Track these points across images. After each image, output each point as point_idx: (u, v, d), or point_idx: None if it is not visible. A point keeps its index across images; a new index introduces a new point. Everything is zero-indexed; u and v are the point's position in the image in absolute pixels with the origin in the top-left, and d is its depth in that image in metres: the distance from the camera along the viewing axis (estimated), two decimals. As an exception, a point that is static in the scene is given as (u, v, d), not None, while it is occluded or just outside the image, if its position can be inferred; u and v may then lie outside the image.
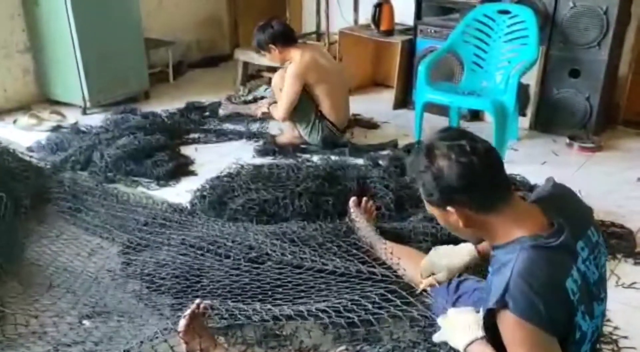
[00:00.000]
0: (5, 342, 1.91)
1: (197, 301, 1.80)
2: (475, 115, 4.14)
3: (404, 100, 4.38)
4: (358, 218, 2.43)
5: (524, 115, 3.91)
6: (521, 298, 1.29)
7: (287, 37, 3.51)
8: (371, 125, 4.04)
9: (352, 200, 2.52)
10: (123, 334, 1.92)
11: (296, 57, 3.45)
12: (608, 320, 2.00)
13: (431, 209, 1.49)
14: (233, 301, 2.02)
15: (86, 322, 2.04)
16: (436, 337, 1.58)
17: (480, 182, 1.36)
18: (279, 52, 3.51)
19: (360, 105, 4.20)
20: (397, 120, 4.14)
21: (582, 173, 3.31)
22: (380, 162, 3.27)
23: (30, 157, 3.35)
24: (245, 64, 4.86)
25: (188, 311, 1.75)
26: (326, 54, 3.76)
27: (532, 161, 3.44)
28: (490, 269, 1.46)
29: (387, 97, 4.46)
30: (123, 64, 4.29)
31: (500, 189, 1.40)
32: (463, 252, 1.78)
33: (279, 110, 3.54)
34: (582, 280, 1.36)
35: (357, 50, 4.64)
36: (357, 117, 4.07)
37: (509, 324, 1.31)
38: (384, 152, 3.47)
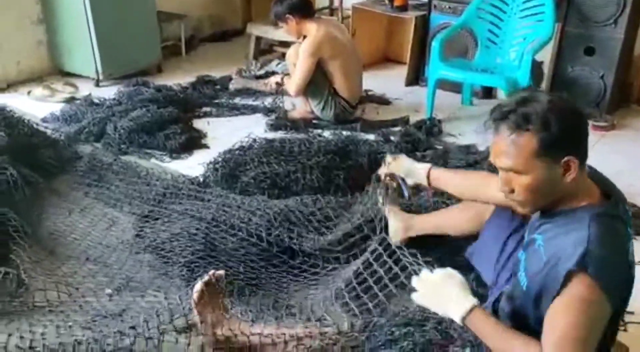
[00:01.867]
0: (48, 307, 1.97)
1: (211, 271, 1.80)
2: (488, 93, 4.11)
3: (416, 77, 4.36)
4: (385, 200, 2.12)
5: (537, 92, 3.88)
6: (601, 263, 1.26)
7: (304, 9, 3.49)
8: (383, 101, 4.03)
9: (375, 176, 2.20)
10: (140, 308, 1.94)
11: (312, 31, 3.43)
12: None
13: (533, 166, 1.32)
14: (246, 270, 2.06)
15: (108, 290, 2.09)
16: (417, 299, 1.47)
17: (586, 134, 1.36)
18: (296, 23, 3.48)
19: (372, 81, 4.19)
20: (408, 97, 4.12)
21: (594, 152, 3.22)
22: (392, 138, 3.27)
23: (45, 128, 3.38)
24: (258, 39, 4.84)
25: (200, 282, 1.75)
26: (342, 28, 3.72)
27: (544, 139, 3.42)
28: (541, 235, 1.39)
29: (400, 73, 4.44)
30: (136, 37, 4.29)
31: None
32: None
33: (292, 85, 3.54)
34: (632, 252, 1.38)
35: (370, 25, 4.60)
36: (369, 93, 4.06)
37: (580, 284, 1.27)
38: (396, 129, 3.48)
